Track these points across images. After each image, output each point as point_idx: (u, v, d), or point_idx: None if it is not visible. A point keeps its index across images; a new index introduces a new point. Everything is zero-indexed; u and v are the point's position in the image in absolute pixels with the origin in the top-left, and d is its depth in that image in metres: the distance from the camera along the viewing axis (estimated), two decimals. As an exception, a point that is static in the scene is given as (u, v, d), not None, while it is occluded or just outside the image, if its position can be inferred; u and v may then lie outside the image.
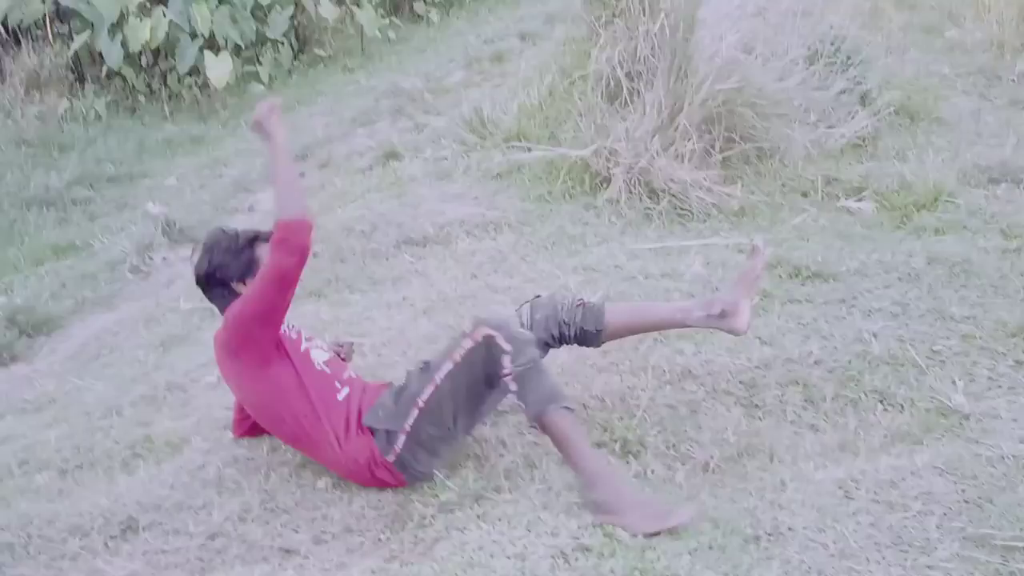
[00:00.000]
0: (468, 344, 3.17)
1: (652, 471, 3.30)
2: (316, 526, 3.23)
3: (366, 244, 5.19)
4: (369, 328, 4.36)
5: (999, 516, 2.86)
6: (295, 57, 10.16)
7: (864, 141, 5.94)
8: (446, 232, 5.18)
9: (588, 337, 3.49)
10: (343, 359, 3.65)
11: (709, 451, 3.37)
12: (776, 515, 2.96)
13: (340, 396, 3.33)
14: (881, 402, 3.58)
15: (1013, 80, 7.18)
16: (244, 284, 3.35)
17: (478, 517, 3.06)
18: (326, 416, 3.28)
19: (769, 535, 2.88)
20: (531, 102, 6.28)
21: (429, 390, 3.20)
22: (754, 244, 3.50)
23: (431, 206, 5.43)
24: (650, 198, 5.25)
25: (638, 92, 5.62)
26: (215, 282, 3.39)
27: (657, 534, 2.88)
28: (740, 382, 3.72)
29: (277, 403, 3.31)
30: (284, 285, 3.19)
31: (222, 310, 3.38)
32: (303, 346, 3.39)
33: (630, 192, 5.28)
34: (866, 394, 3.62)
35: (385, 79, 8.83)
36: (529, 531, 2.92)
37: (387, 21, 11.04)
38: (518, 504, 3.09)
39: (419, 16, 11.62)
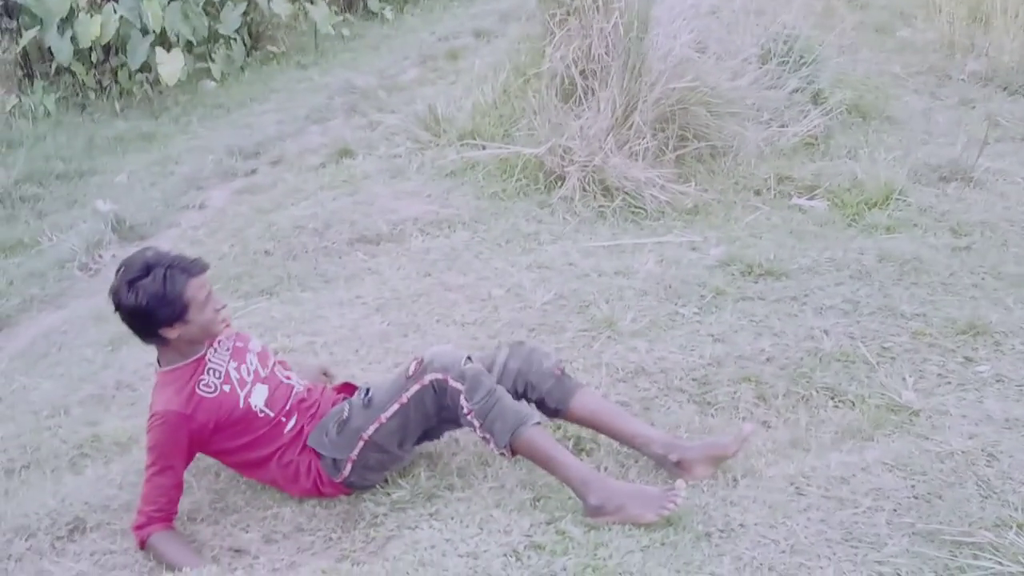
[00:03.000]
0: (415, 387, 3.11)
1: (606, 468, 3.30)
2: (266, 525, 3.21)
3: (319, 242, 5.15)
4: (321, 327, 4.33)
5: (948, 512, 2.89)
6: (248, 54, 10.06)
7: (816, 140, 5.97)
8: (400, 230, 5.15)
9: (545, 408, 3.31)
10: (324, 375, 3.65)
11: (662, 448, 3.37)
12: (728, 512, 2.97)
13: (286, 430, 3.27)
14: (832, 399, 3.60)
15: (963, 79, 7.26)
16: (172, 327, 3.13)
17: (430, 515, 3.05)
18: (277, 460, 3.26)
19: (721, 531, 2.90)
20: (485, 100, 6.27)
21: (374, 426, 3.15)
22: (745, 431, 3.21)
23: (384, 204, 5.40)
24: (604, 196, 5.25)
25: (592, 90, 5.62)
26: (139, 323, 3.16)
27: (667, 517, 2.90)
28: (693, 379, 3.73)
29: (225, 459, 3.35)
30: None
31: (149, 344, 3.25)
32: (241, 400, 3.23)
33: (584, 190, 5.28)
34: (817, 391, 3.64)
35: (339, 76, 8.77)
36: (481, 529, 2.91)
37: (341, 18, 10.98)
38: (470, 502, 3.09)
39: (373, 13, 11.56)
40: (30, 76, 9.04)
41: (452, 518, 3.00)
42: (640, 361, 3.82)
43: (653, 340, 3.95)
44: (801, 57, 6.27)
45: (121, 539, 3.20)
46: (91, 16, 8.57)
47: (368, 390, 3.23)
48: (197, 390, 3.17)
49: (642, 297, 4.28)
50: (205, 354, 3.25)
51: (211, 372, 3.22)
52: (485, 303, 4.32)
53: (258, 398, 3.25)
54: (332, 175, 6.06)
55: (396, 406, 3.12)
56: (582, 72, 5.71)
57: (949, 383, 3.65)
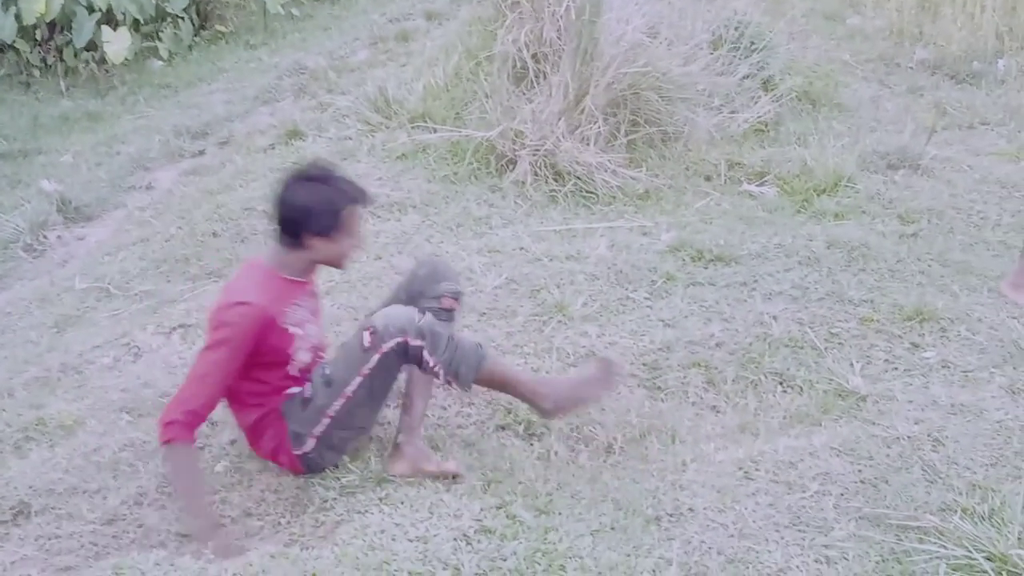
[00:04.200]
0: (376, 357, 3.08)
1: (556, 453, 3.31)
2: (214, 510, 3.17)
3: (268, 224, 5.10)
4: (270, 309, 4.29)
5: (894, 496, 2.93)
6: (196, 33, 9.94)
7: (766, 126, 6.02)
8: (350, 212, 5.11)
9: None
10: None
11: (612, 433, 3.39)
12: (677, 496, 2.99)
13: (285, 394, 3.23)
14: (780, 384, 3.63)
15: (911, 67, 7.35)
16: (316, 238, 3.10)
17: (380, 500, 3.03)
18: (263, 413, 3.20)
19: (670, 515, 2.91)
20: (437, 82, 6.23)
21: (340, 402, 3.12)
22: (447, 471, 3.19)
23: (334, 186, 5.35)
24: (556, 180, 5.25)
25: (544, 74, 5.62)
26: (293, 219, 3.11)
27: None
28: (643, 364, 3.75)
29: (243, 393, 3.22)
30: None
31: (279, 243, 3.16)
32: (294, 350, 3.18)
33: (536, 174, 5.27)
34: (766, 376, 3.67)
35: (288, 57, 8.69)
36: (431, 514, 2.90)
37: (291, -2, 10.90)
38: (420, 487, 3.07)
39: (324, -6, 11.48)
40: (-27, 54, 8.90)
41: (402, 503, 2.98)
42: (591, 345, 3.83)
43: (604, 325, 3.96)
44: (752, 43, 6.31)
45: (66, 523, 3.14)
46: (37, -8, 8.43)
47: (325, 367, 3.19)
48: (284, 309, 3.12)
49: (593, 282, 4.28)
50: (308, 284, 3.24)
51: (298, 307, 3.18)
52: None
53: (301, 359, 3.21)
54: (281, 156, 6.00)
55: (359, 379, 3.10)
56: (534, 56, 5.71)
57: (896, 369, 3.69)
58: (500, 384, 3.22)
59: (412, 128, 5.89)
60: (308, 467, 3.22)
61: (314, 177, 3.13)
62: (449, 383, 3.13)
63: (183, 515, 3.10)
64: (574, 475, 3.19)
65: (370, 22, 9.62)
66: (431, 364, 3.07)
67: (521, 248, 4.62)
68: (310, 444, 3.17)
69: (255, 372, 3.14)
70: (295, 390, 3.21)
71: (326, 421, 3.14)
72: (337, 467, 3.23)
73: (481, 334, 3.78)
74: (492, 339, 3.82)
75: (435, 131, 5.75)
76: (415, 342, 3.06)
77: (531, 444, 3.36)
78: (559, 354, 3.77)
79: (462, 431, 3.45)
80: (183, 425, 3.00)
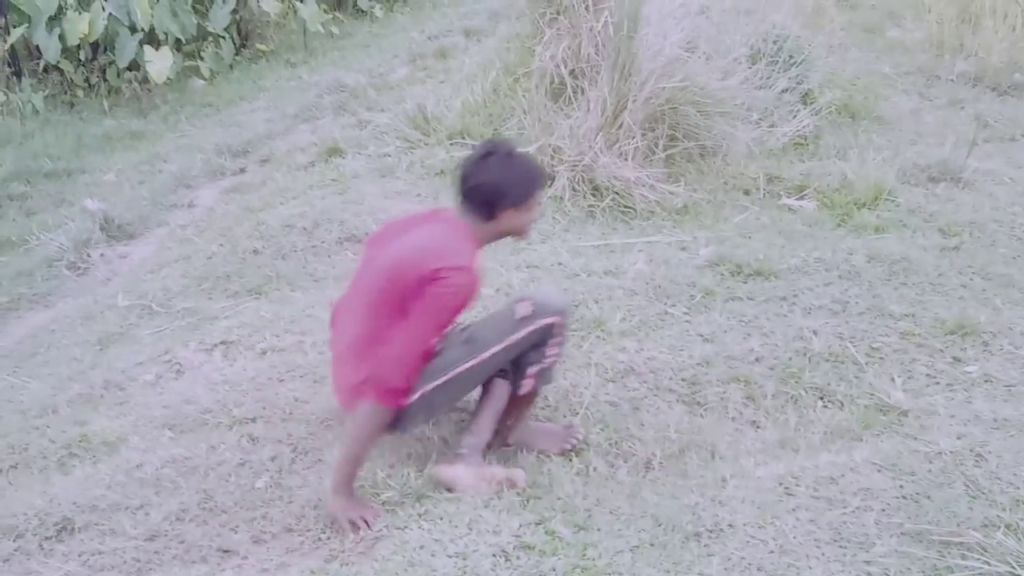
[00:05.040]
0: (526, 329, 3.16)
1: (594, 469, 3.31)
2: (255, 526, 3.20)
3: (308, 241, 5.14)
4: (310, 326, 4.32)
5: (936, 512, 2.89)
6: (237, 52, 10.03)
7: (806, 140, 5.99)
8: (389, 229, 5.13)
9: None
10: None
11: (651, 448, 3.39)
12: (717, 512, 2.97)
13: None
14: (821, 399, 3.61)
15: (952, 80, 7.28)
16: (507, 211, 3.18)
17: (419, 516, 3.04)
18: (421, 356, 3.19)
19: (710, 532, 2.90)
20: (475, 99, 6.26)
21: (470, 363, 3.15)
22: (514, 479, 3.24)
23: (374, 203, 5.39)
24: (594, 195, 5.26)
25: (582, 90, 5.62)
26: (497, 188, 3.17)
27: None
28: (682, 379, 3.74)
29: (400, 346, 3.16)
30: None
31: (471, 214, 3.21)
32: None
33: (574, 190, 5.28)
34: (806, 391, 3.65)
35: (328, 75, 8.75)
36: (470, 530, 2.91)
37: (330, 16, 10.95)
38: (459, 503, 3.08)
39: (363, 12, 11.53)
40: (18, 74, 8.99)
41: (441, 518, 2.99)
42: (629, 361, 3.82)
43: (642, 340, 3.95)
44: (791, 57, 6.28)
45: (109, 539, 3.18)
46: (79, 13, 8.53)
47: (464, 327, 3.24)
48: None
49: (631, 297, 4.28)
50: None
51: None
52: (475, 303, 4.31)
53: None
54: (321, 174, 6.04)
55: (501, 346, 3.16)
56: (571, 71, 5.71)
57: (938, 383, 3.66)
58: (528, 404, 3.37)
59: (450, 144, 5.92)
60: (395, 420, 3.20)
61: (508, 152, 3.22)
62: (528, 381, 3.25)
63: (341, 466, 3.12)
64: (613, 491, 3.19)
65: (409, 40, 9.67)
66: (549, 357, 3.21)
67: (559, 263, 4.62)
68: (413, 398, 3.16)
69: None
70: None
71: (443, 379, 3.16)
72: (376, 482, 3.24)
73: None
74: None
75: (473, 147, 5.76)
76: (559, 333, 3.20)
77: (570, 460, 3.36)
78: (597, 369, 3.77)
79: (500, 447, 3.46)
80: (402, 393, 3.10)
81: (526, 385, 3.27)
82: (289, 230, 5.23)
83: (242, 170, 6.85)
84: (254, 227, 5.32)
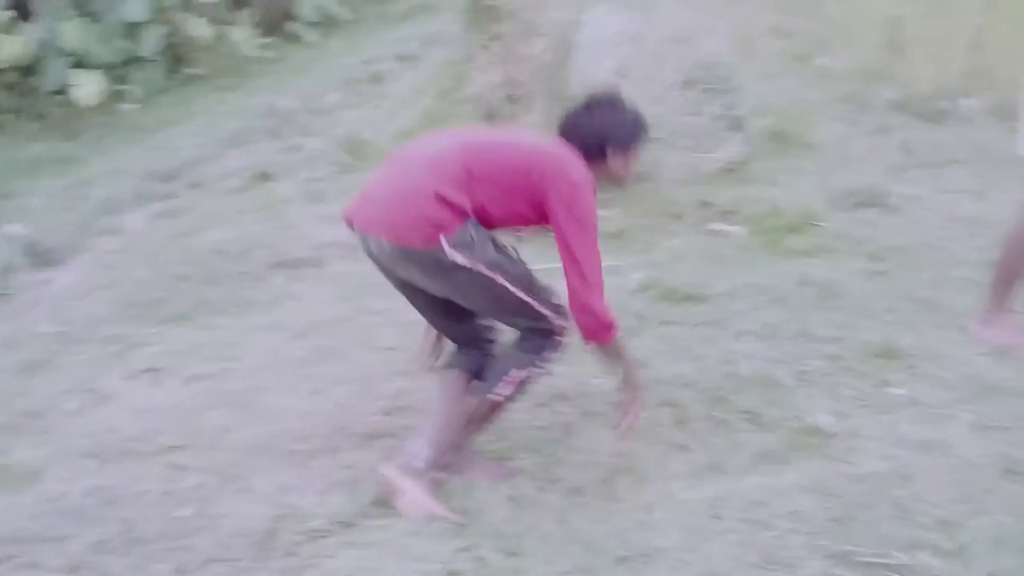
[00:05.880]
0: (543, 307, 3.21)
1: (524, 494, 3.27)
2: (178, 556, 3.12)
3: (237, 266, 5.09)
4: (239, 352, 4.27)
5: (862, 533, 2.91)
6: (168, 76, 9.95)
7: (737, 166, 6.04)
8: (320, 254, 5.11)
9: None
10: None
11: (580, 473, 3.37)
12: (646, 536, 2.97)
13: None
14: (750, 422, 3.62)
15: (880, 107, 7.39)
16: (611, 153, 3.27)
17: (347, 544, 3.01)
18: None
19: (639, 556, 2.89)
20: (408, 124, 6.26)
21: (500, 278, 3.15)
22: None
23: (305, 228, 5.36)
24: (527, 220, 5.24)
25: (516, 116, 5.63)
26: (599, 135, 3.27)
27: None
28: (612, 403, 3.72)
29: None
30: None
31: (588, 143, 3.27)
32: None
33: (506, 214, 5.26)
34: (735, 415, 3.65)
35: (260, 99, 8.71)
36: (400, 557, 2.88)
37: (265, 41, 10.90)
38: (388, 530, 3.04)
39: (297, 37, 11.49)
40: (-56, 96, 8.86)
41: (369, 546, 2.96)
42: (560, 386, 3.81)
43: (573, 364, 3.93)
44: (723, 84, 6.33)
45: (28, 572, 3.09)
46: (8, 36, 8.41)
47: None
48: None
49: (563, 321, 4.26)
50: None
51: None
52: (407, 328, 4.27)
53: None
54: (252, 199, 6.00)
55: (520, 292, 3.19)
56: (506, 97, 5.72)
57: (864, 407, 3.69)
58: (476, 419, 3.30)
59: (383, 170, 5.89)
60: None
61: (617, 99, 3.36)
62: (512, 387, 3.24)
63: (631, 374, 3.32)
64: (543, 516, 3.16)
65: (343, 65, 9.65)
66: (539, 364, 3.27)
67: (491, 288, 4.60)
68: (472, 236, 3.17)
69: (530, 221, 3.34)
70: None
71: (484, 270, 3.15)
72: (304, 509, 3.19)
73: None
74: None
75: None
76: (560, 341, 3.32)
77: (499, 485, 3.33)
78: (528, 394, 3.75)
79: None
80: (612, 322, 3.22)
81: (505, 387, 3.22)
82: (218, 255, 5.17)
83: (171, 195, 6.77)
84: (183, 252, 5.27)
